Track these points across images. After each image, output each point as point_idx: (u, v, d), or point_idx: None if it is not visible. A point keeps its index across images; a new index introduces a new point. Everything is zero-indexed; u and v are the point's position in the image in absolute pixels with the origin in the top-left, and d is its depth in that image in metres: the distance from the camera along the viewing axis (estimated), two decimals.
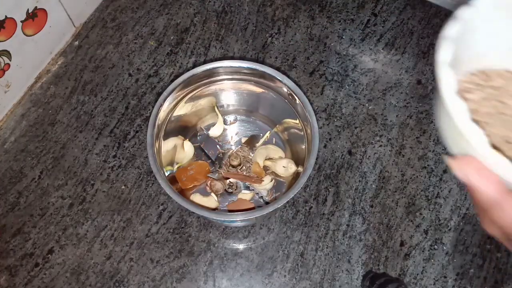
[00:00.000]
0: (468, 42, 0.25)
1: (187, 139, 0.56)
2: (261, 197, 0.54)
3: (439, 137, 0.32)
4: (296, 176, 0.51)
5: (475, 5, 0.24)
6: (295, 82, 0.48)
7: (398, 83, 0.62)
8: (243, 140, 0.57)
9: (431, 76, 0.63)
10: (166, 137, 0.50)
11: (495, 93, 0.26)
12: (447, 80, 0.21)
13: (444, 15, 0.67)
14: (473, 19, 0.24)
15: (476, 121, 0.24)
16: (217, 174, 0.54)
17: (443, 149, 0.58)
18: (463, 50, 0.25)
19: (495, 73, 0.27)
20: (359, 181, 0.56)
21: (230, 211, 0.52)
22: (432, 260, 0.52)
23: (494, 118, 0.25)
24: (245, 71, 0.50)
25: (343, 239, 0.53)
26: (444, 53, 0.22)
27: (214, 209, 0.52)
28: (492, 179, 0.21)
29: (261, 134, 0.57)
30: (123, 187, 0.55)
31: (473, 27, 0.24)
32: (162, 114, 0.48)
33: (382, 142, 0.58)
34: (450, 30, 0.23)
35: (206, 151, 0.56)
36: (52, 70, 0.62)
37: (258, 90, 0.52)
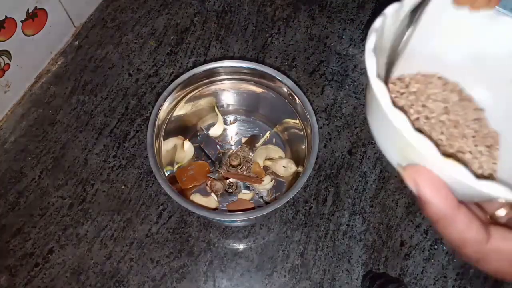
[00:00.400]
0: (384, 51, 0.25)
1: (187, 139, 0.56)
2: (261, 197, 0.54)
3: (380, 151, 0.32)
4: (296, 176, 0.51)
5: (384, 13, 0.24)
6: (295, 82, 0.48)
7: None
8: (243, 140, 0.57)
9: None
10: (166, 137, 0.50)
11: (415, 98, 0.26)
12: (381, 92, 0.21)
13: None
14: (384, 27, 0.24)
15: None
16: (217, 174, 0.54)
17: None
18: (382, 60, 0.25)
19: (410, 78, 0.28)
20: (359, 181, 0.56)
21: (230, 211, 0.52)
22: (432, 260, 0.52)
23: (422, 124, 0.25)
24: (245, 71, 0.50)
25: (343, 239, 0.53)
26: (371, 66, 0.22)
27: (214, 209, 0.52)
28: (443, 191, 0.20)
29: (261, 134, 0.57)
30: (123, 187, 0.55)
31: (384, 36, 0.24)
32: (162, 114, 0.48)
33: None
34: (370, 42, 0.22)
35: (206, 151, 0.56)
36: (52, 70, 0.62)
37: (258, 90, 0.52)
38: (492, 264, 0.22)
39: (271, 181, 0.54)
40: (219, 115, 0.57)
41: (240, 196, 0.53)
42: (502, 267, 0.22)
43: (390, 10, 0.24)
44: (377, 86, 0.21)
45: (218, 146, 0.56)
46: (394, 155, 0.23)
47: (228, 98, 0.56)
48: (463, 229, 0.21)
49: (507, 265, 0.22)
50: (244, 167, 0.55)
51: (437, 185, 0.20)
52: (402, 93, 0.27)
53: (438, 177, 0.20)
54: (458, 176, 0.19)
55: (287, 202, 0.43)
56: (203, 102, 0.54)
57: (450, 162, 0.19)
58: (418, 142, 0.19)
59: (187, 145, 0.55)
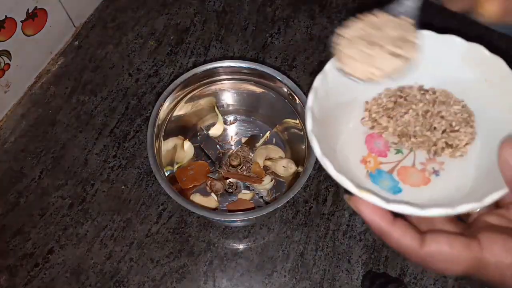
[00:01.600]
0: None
1: (187, 139, 0.56)
2: (261, 197, 0.54)
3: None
4: (296, 176, 0.51)
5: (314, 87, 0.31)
6: (295, 82, 0.48)
7: None
8: (243, 140, 0.57)
9: None
10: (166, 137, 0.50)
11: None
12: (315, 144, 0.27)
13: (444, 15, 0.67)
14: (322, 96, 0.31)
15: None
16: (217, 174, 0.54)
17: None
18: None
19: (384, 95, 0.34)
20: None
21: (230, 211, 0.52)
22: None
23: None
24: (245, 71, 0.50)
25: (343, 239, 0.53)
26: (308, 124, 0.28)
27: (214, 209, 0.52)
28: (379, 212, 0.26)
29: (261, 134, 0.57)
30: (123, 187, 0.55)
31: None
32: (162, 114, 0.48)
33: None
34: (309, 124, 0.28)
35: (206, 151, 0.56)
36: (52, 70, 0.62)
37: (258, 90, 0.52)
38: (431, 266, 0.26)
39: (271, 181, 0.54)
40: (219, 115, 0.57)
41: (240, 196, 0.53)
42: (440, 268, 0.26)
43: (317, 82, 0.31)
44: (312, 139, 0.27)
45: (218, 146, 0.56)
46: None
47: (228, 98, 0.56)
48: (398, 239, 0.25)
49: (442, 265, 0.26)
50: (244, 167, 0.55)
51: (373, 208, 0.25)
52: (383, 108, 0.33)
53: (372, 203, 0.26)
54: (373, 200, 0.25)
55: (287, 202, 0.43)
56: (203, 102, 0.54)
57: (365, 193, 0.25)
58: (341, 181, 0.26)
59: (187, 145, 0.55)
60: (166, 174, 0.49)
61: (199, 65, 0.48)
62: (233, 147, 0.57)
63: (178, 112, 0.51)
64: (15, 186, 0.55)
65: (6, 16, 0.51)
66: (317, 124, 0.29)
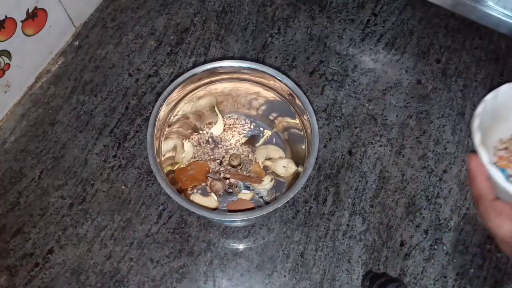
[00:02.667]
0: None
1: (187, 139, 0.56)
2: (261, 197, 0.54)
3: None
4: (296, 176, 0.51)
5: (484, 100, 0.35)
6: (295, 82, 0.48)
7: (398, 83, 0.62)
8: (243, 140, 0.57)
9: (431, 76, 0.63)
10: (166, 137, 0.50)
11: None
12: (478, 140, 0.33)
13: (444, 15, 0.67)
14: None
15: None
16: (217, 174, 0.54)
17: (443, 149, 0.58)
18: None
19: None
20: (359, 181, 0.56)
21: (230, 211, 0.52)
22: (432, 260, 0.52)
23: None
24: (245, 71, 0.50)
25: (343, 239, 0.53)
26: (475, 123, 0.33)
27: (214, 209, 0.52)
28: (480, 168, 0.32)
29: (261, 134, 0.57)
30: (123, 187, 0.55)
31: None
32: (162, 114, 0.48)
33: (382, 142, 0.58)
34: (477, 137, 0.33)
35: (206, 152, 0.56)
36: (52, 70, 0.62)
37: (258, 90, 0.52)
38: (488, 217, 0.33)
39: (271, 181, 0.54)
40: (219, 115, 0.57)
41: (240, 196, 0.53)
42: (493, 223, 0.32)
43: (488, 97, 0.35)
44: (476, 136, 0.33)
45: (218, 146, 0.56)
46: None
47: (228, 98, 0.56)
48: (481, 188, 0.33)
49: (496, 222, 0.32)
50: (244, 167, 0.55)
51: (478, 164, 0.32)
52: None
53: (481, 162, 0.32)
54: (481, 153, 0.32)
55: (287, 202, 0.43)
56: (203, 102, 0.54)
57: (481, 148, 0.32)
58: (474, 131, 0.33)
59: (187, 145, 0.55)
60: (166, 174, 0.49)
61: (199, 65, 0.48)
62: (233, 147, 0.57)
63: (178, 112, 0.51)
64: (15, 186, 0.55)
65: (6, 16, 0.51)
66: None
